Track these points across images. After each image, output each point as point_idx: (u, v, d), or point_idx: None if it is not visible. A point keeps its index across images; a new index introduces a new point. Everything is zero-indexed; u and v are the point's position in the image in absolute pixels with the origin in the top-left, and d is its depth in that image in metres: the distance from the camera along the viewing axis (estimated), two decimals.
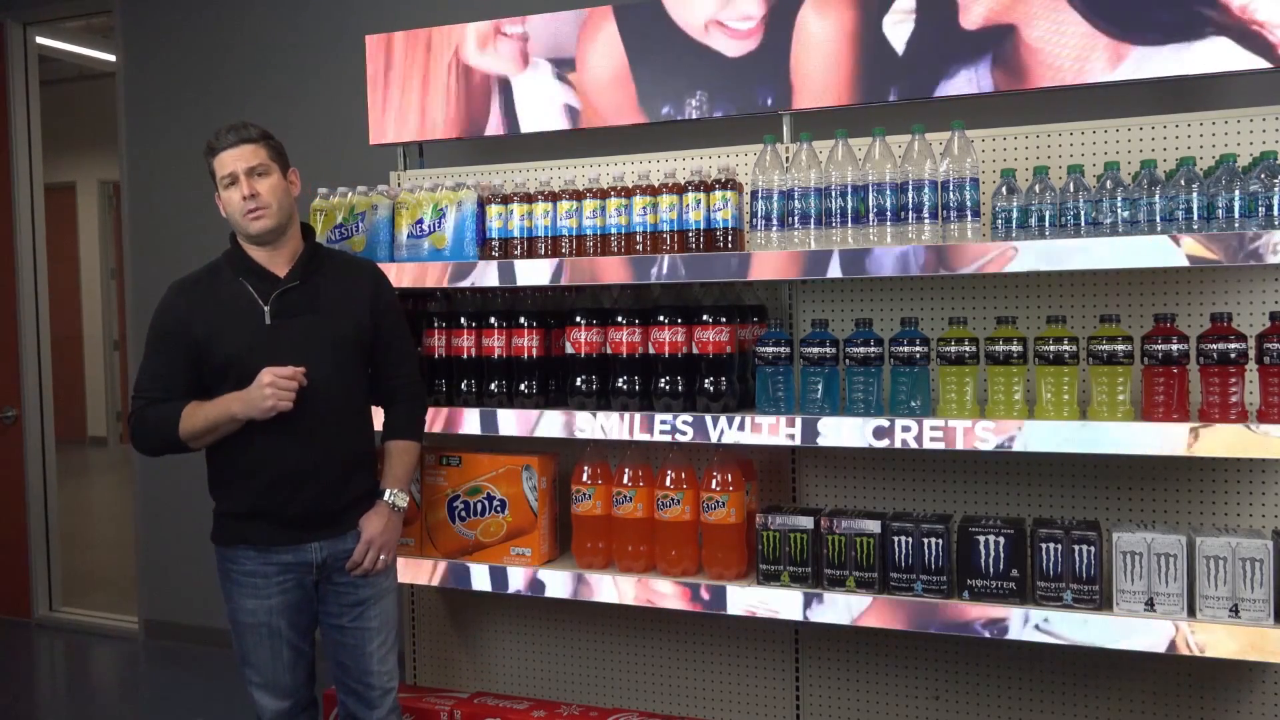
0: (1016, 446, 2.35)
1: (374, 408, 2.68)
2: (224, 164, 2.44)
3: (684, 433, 2.65)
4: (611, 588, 2.78)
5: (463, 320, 2.97)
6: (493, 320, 2.93)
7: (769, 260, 2.53)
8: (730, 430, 2.60)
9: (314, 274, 2.52)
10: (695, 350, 2.70)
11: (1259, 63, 2.44)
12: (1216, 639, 2.25)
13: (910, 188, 2.46)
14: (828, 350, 2.57)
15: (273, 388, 2.34)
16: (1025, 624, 2.38)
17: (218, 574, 2.54)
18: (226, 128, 2.47)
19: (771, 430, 2.56)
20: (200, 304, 2.47)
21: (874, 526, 2.55)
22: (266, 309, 2.45)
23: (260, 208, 2.43)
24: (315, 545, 2.48)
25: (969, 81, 2.70)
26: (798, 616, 2.59)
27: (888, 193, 2.48)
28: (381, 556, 2.55)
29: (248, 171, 2.42)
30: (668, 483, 2.76)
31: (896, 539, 2.54)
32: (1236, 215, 2.24)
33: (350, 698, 2.58)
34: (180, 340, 2.45)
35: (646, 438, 2.70)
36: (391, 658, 2.61)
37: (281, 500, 2.44)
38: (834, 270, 2.46)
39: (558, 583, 2.85)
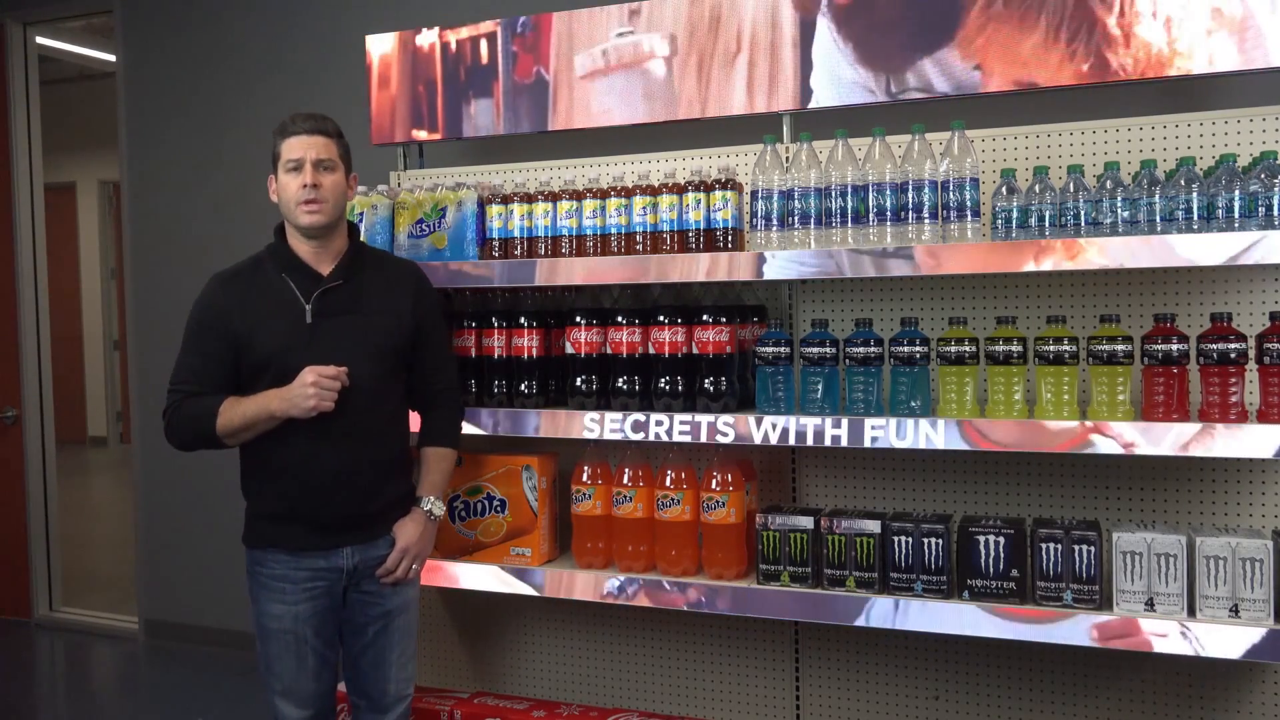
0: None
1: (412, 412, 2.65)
2: (292, 148, 2.40)
3: (685, 433, 2.65)
4: (611, 588, 2.78)
5: (464, 320, 2.97)
6: (493, 320, 2.93)
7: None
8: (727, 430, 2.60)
9: (357, 274, 2.48)
10: (695, 350, 2.70)
11: None
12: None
13: (910, 188, 2.46)
14: (828, 350, 2.57)
15: (315, 387, 2.31)
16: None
17: (246, 577, 2.50)
18: (304, 114, 2.45)
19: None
20: (241, 297, 2.44)
21: (874, 526, 2.55)
22: (308, 307, 2.41)
23: (318, 201, 2.39)
24: (347, 550, 2.44)
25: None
26: (797, 617, 2.59)
27: (888, 193, 2.48)
28: (414, 566, 2.52)
29: (315, 163, 2.39)
30: (668, 483, 2.76)
31: (896, 539, 2.54)
32: (1236, 215, 2.24)
33: (363, 700, 2.56)
34: (220, 333, 2.42)
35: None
36: (410, 666, 2.59)
37: (315, 503, 2.40)
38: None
39: (558, 583, 2.85)
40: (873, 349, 2.53)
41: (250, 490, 2.50)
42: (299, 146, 2.40)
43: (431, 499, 2.57)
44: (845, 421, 2.50)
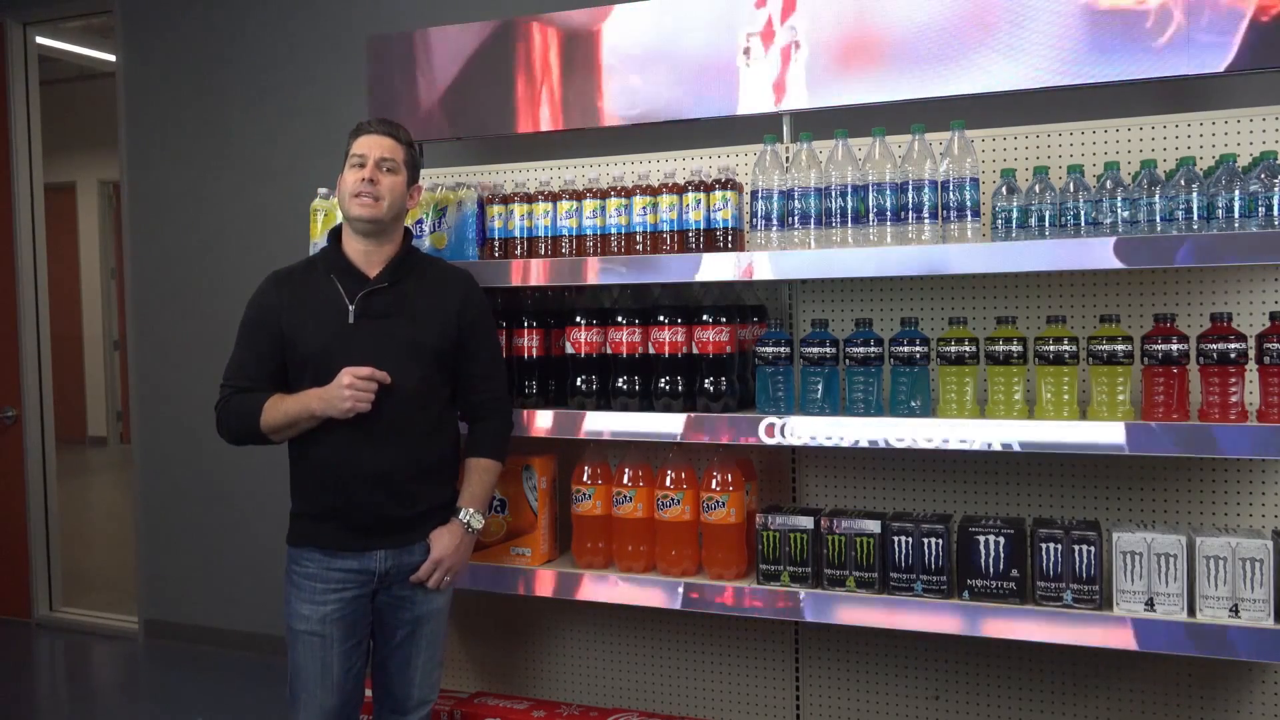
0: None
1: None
2: (360, 145, 2.47)
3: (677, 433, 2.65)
4: (611, 588, 2.78)
5: None
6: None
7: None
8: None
9: (404, 278, 2.49)
10: (695, 350, 2.70)
11: None
12: None
13: (910, 188, 2.46)
14: (828, 350, 2.57)
15: (351, 389, 2.33)
16: None
17: (284, 577, 2.51)
18: (379, 119, 2.55)
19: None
20: (290, 296, 2.48)
21: (874, 526, 2.55)
22: (351, 308, 2.43)
23: (372, 196, 2.42)
24: (380, 554, 2.44)
25: None
26: (798, 617, 2.59)
27: (888, 193, 2.48)
28: (447, 578, 2.51)
29: (378, 161, 2.44)
30: (668, 483, 2.76)
31: (896, 539, 2.54)
32: (1236, 215, 2.24)
33: (388, 699, 2.56)
34: (267, 330, 2.46)
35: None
36: (436, 672, 2.58)
37: (351, 503, 2.41)
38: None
39: (558, 583, 2.85)
40: (873, 349, 2.53)
41: (293, 488, 2.51)
42: (366, 144, 2.47)
43: (470, 511, 2.53)
44: (847, 421, 2.50)
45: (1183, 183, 2.30)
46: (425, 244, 2.94)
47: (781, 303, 2.98)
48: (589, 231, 2.83)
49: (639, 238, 2.77)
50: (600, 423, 2.74)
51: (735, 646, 3.07)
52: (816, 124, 2.86)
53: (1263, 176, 2.23)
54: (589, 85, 3.13)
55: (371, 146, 2.46)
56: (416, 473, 2.47)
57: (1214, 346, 2.28)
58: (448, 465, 2.56)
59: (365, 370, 2.35)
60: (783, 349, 2.61)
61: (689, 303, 2.79)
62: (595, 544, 2.86)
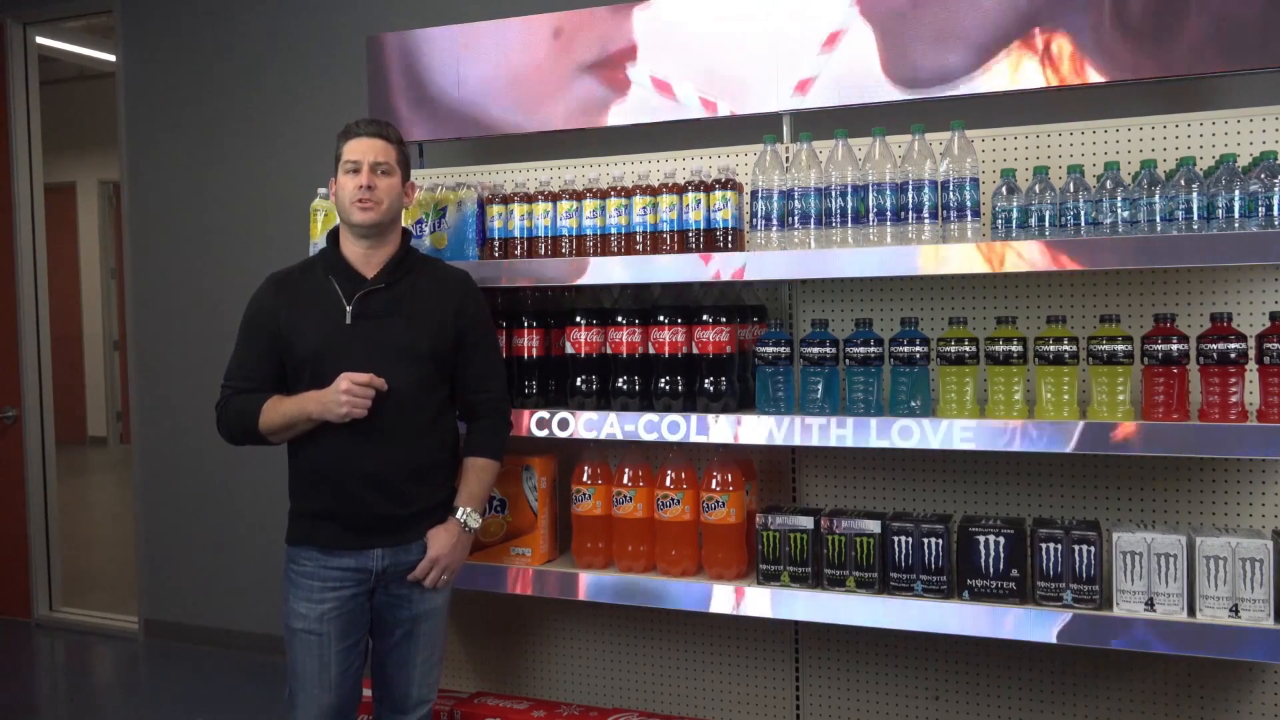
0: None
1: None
2: (352, 150, 2.47)
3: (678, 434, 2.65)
4: (611, 588, 2.78)
5: None
6: (494, 320, 2.92)
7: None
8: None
9: (402, 278, 2.50)
10: (695, 350, 2.70)
11: None
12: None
13: (910, 188, 2.46)
14: (828, 350, 2.57)
15: (348, 395, 2.34)
16: None
17: (283, 576, 2.52)
18: (367, 119, 2.55)
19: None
20: (288, 297, 2.49)
21: (874, 526, 2.55)
22: (349, 309, 2.45)
23: (372, 201, 2.44)
24: (377, 552, 2.45)
25: None
26: (798, 616, 2.59)
27: (888, 193, 2.48)
28: (444, 576, 2.52)
29: (372, 165, 2.45)
30: (668, 483, 2.76)
31: (896, 539, 2.53)
32: (1236, 215, 2.24)
33: (387, 698, 2.57)
34: (266, 331, 2.48)
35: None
36: (435, 671, 2.59)
37: (349, 503, 2.42)
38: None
39: (557, 583, 2.84)
40: (873, 349, 2.53)
41: (291, 488, 2.53)
42: (359, 149, 2.47)
43: (466, 510, 2.54)
44: (850, 421, 2.50)
45: (1183, 183, 2.30)
46: (425, 244, 2.95)
47: (781, 303, 2.98)
48: (589, 231, 2.83)
49: (639, 238, 2.77)
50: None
51: (735, 646, 3.07)
52: (816, 124, 2.86)
53: (1263, 176, 2.23)
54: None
55: (365, 151, 2.46)
56: (413, 473, 2.47)
57: (1214, 346, 2.28)
58: (445, 465, 2.57)
59: (364, 377, 2.36)
60: (783, 349, 2.61)
61: (689, 303, 2.79)
62: (595, 544, 2.86)
